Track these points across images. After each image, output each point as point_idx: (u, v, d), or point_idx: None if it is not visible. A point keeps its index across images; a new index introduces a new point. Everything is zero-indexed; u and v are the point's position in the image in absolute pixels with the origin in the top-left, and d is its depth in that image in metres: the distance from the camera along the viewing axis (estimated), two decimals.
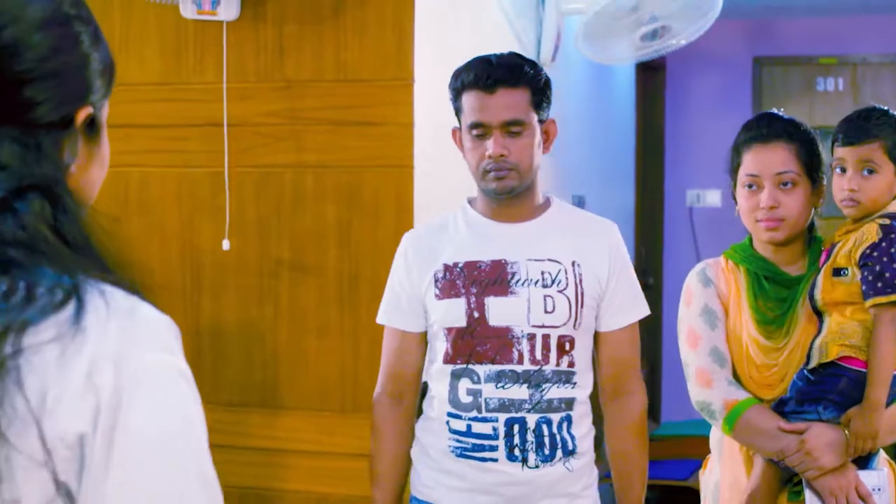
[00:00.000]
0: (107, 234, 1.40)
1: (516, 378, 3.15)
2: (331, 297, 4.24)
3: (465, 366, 3.19)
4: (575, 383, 3.20)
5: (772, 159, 3.23)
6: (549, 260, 3.21)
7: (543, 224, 3.28)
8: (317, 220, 4.24)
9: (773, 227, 3.24)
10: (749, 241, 3.39)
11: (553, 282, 3.19)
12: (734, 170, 3.33)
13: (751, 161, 3.27)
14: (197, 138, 4.35)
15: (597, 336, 3.30)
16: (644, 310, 3.34)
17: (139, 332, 1.34)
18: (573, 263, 3.21)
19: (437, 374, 3.27)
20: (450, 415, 3.23)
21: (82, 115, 1.43)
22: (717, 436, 3.39)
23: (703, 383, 3.25)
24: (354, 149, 4.18)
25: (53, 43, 1.39)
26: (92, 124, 1.45)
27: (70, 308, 1.28)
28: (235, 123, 4.30)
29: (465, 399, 3.19)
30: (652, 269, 8.80)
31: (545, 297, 3.17)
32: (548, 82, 3.25)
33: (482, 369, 3.17)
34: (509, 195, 3.21)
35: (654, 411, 8.62)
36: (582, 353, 3.23)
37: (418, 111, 4.12)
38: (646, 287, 3.65)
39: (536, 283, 3.18)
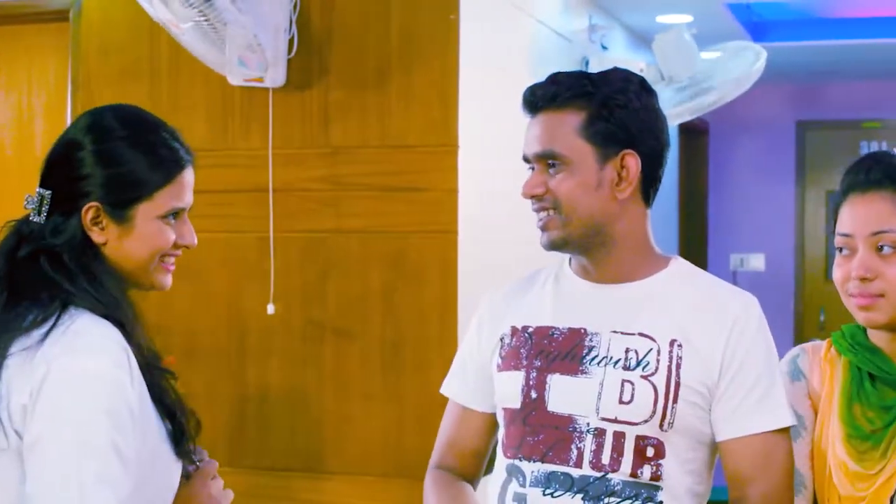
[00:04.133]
0: (115, 282, 2.17)
1: (569, 485, 2.35)
2: (375, 362, 4.24)
3: (513, 461, 2.43)
4: (660, 503, 2.35)
5: (867, 214, 2.37)
6: (641, 335, 2.38)
7: (645, 288, 2.45)
8: (361, 286, 4.25)
9: (866, 306, 2.35)
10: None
11: (638, 364, 2.36)
12: (833, 230, 2.48)
13: (846, 216, 2.41)
14: (243, 204, 4.39)
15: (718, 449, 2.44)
16: (782, 418, 2.38)
17: (75, 344, 2.05)
18: (672, 343, 2.37)
19: (496, 470, 2.51)
20: None
21: (86, 210, 2.15)
22: None
23: None
24: (399, 214, 4.20)
25: (61, 170, 2.18)
26: (114, 213, 2.17)
27: (45, 328, 2.06)
28: (281, 189, 4.32)
29: None
30: None
31: (623, 382, 2.35)
32: (625, 102, 2.40)
33: (529, 468, 2.39)
34: (561, 250, 2.47)
35: None
36: (677, 466, 2.37)
37: (463, 177, 4.14)
38: None
39: (617, 363, 2.37)
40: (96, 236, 2.17)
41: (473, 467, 2.63)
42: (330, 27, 4.29)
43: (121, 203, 2.17)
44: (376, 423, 4.24)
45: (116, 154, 2.18)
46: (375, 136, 4.24)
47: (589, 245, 2.43)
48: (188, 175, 2.31)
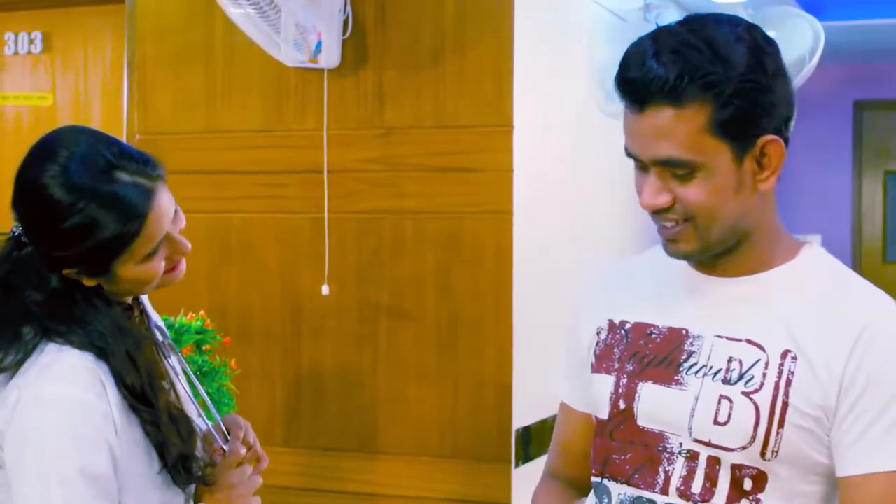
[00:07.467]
0: (107, 320, 2.15)
1: None
2: (430, 342, 4.24)
3: (600, 479, 2.13)
4: None
5: None
6: (748, 342, 1.98)
7: (761, 284, 2.04)
8: (416, 266, 4.25)
9: None
10: None
11: (741, 377, 1.96)
12: None
13: None
14: (297, 184, 4.39)
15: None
16: None
17: (44, 371, 2.06)
18: (785, 354, 1.95)
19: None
20: None
21: (66, 273, 2.13)
22: None
23: None
24: (454, 195, 4.19)
25: (40, 234, 2.14)
26: (94, 274, 2.15)
27: (20, 358, 2.09)
28: (335, 170, 4.33)
29: None
30: None
31: (721, 398, 1.97)
32: (757, 82, 1.94)
33: (616, 490, 2.08)
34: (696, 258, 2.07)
35: None
36: (782, 502, 1.96)
37: (518, 157, 4.12)
38: None
39: (716, 374, 1.99)
40: (85, 282, 2.17)
41: (584, 469, 2.22)
42: (384, 7, 4.28)
43: (98, 267, 2.15)
44: (431, 405, 4.24)
45: (93, 223, 2.09)
46: (430, 117, 4.23)
47: (731, 245, 2.05)
48: (157, 208, 2.15)
